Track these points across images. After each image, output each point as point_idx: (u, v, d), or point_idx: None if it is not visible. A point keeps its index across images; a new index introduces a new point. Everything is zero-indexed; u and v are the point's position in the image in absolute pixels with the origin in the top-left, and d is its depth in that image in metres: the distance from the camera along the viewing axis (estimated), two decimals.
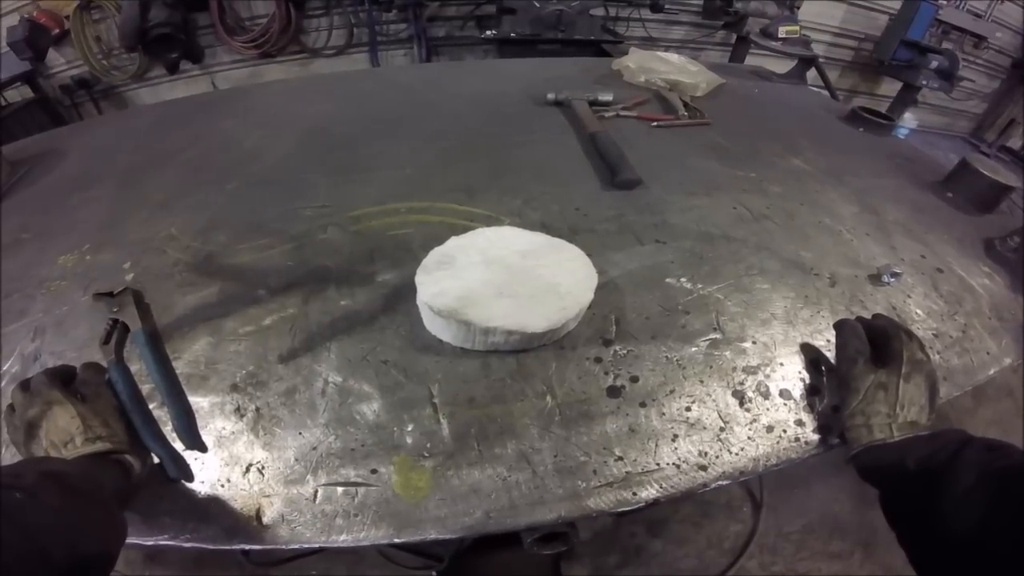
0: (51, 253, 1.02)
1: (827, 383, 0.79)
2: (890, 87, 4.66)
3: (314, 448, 0.69)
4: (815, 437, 0.74)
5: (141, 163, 1.32)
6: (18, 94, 3.63)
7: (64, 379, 0.63)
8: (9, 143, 1.56)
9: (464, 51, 4.24)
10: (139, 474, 0.61)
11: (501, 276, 0.84)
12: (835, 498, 1.53)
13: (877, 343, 0.73)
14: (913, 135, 4.57)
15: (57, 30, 3.58)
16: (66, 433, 0.59)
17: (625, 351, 0.82)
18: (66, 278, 0.95)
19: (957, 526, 0.53)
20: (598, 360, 0.80)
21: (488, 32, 3.37)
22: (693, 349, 0.82)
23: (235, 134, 1.45)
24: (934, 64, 4.07)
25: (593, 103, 1.55)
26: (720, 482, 0.69)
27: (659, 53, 1.94)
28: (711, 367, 0.80)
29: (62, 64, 3.82)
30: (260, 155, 1.33)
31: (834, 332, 0.80)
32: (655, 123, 1.49)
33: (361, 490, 0.66)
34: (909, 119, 4.54)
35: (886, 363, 0.70)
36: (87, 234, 1.06)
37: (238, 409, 0.74)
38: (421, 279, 0.83)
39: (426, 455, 0.69)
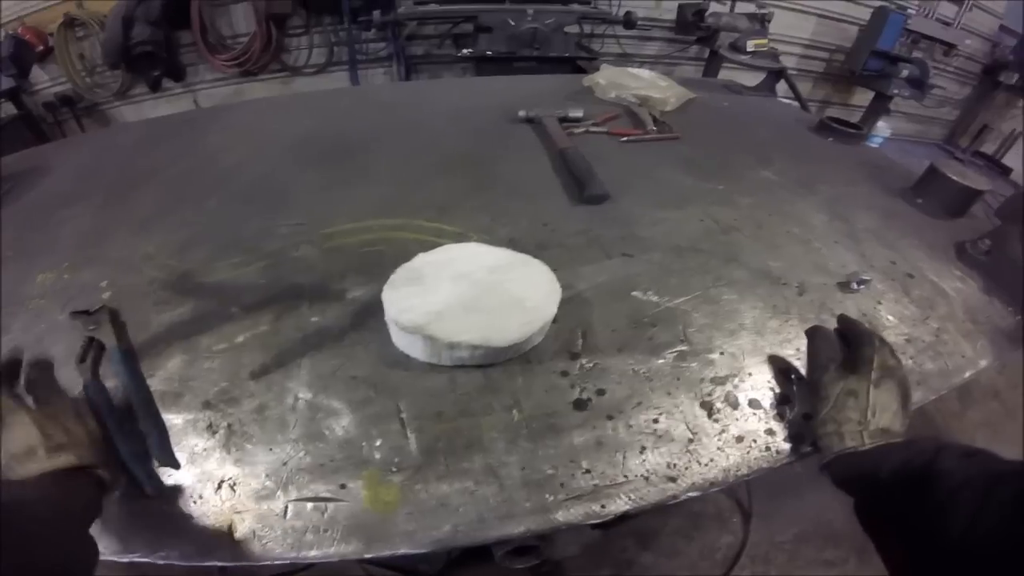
0: (31, 271, 1.01)
1: (797, 392, 0.79)
2: (863, 96, 4.74)
3: (284, 464, 0.69)
4: (786, 446, 0.74)
5: (123, 181, 1.32)
6: (1, 111, 3.60)
7: (10, 380, 0.61)
8: None
9: (442, 69, 4.27)
10: (110, 487, 0.59)
11: (468, 292, 0.84)
12: (827, 506, 1.53)
13: (848, 349, 0.74)
14: (887, 143, 4.63)
15: (41, 47, 3.59)
16: (26, 445, 0.55)
17: (592, 364, 0.82)
18: (45, 296, 0.95)
19: (942, 532, 0.52)
20: (564, 374, 0.80)
21: (465, 50, 3.39)
22: (660, 361, 0.82)
23: (215, 152, 1.45)
24: (905, 73, 4.15)
25: (563, 120, 1.56)
26: (690, 493, 0.69)
27: (630, 69, 1.96)
28: (679, 379, 0.80)
29: (46, 81, 3.81)
30: (239, 173, 1.33)
31: (804, 340, 0.80)
32: (624, 138, 1.50)
33: (331, 505, 0.65)
34: (882, 128, 4.60)
35: (856, 369, 0.70)
36: (67, 252, 1.06)
37: (210, 426, 0.73)
38: (388, 296, 0.83)
39: (394, 470, 0.69)
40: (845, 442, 0.65)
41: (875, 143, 4.46)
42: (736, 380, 0.81)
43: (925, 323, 0.95)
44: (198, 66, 3.96)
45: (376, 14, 3.49)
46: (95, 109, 3.98)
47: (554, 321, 0.84)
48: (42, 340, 0.86)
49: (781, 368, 0.83)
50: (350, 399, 0.76)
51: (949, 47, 4.84)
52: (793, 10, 4.35)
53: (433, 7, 3.64)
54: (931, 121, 5.50)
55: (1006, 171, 5.17)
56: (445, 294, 0.84)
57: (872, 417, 0.66)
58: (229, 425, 0.73)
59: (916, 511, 0.55)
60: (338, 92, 2.49)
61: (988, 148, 5.43)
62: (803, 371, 0.80)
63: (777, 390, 0.80)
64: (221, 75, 4.01)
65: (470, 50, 3.36)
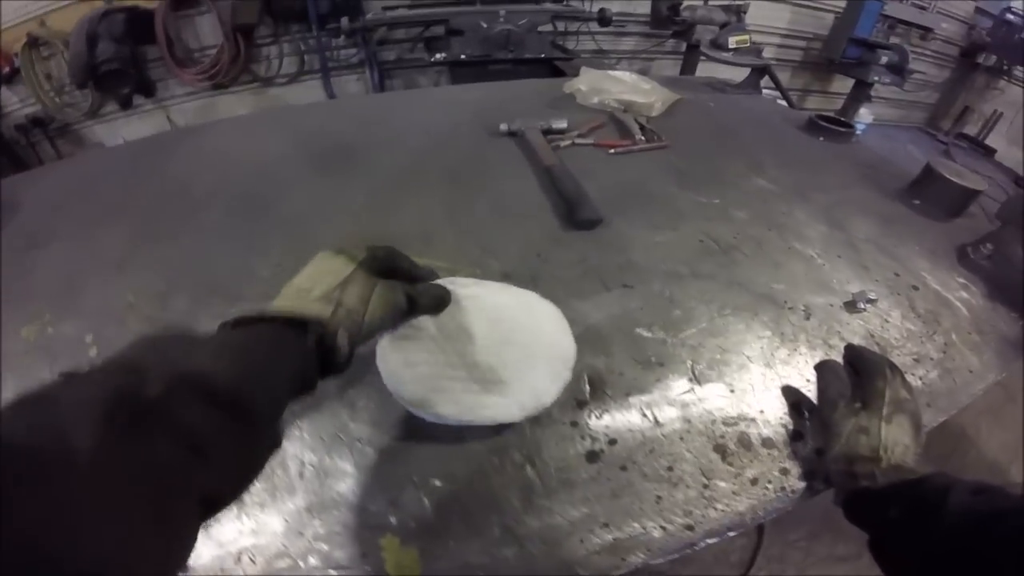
0: (13, 323, 0.95)
1: (809, 427, 0.76)
2: (843, 84, 4.77)
3: (300, 534, 0.65)
4: (801, 485, 0.71)
5: (95, 215, 1.25)
6: None
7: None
8: None
9: (416, 73, 4.22)
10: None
11: (471, 353, 0.74)
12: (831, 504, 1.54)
13: (859, 380, 0.71)
14: (870, 130, 4.66)
15: (7, 68, 3.53)
16: (312, 281, 0.57)
17: (601, 412, 0.78)
18: (29, 352, 0.90)
19: (941, 571, 0.52)
20: (574, 424, 0.77)
21: (438, 55, 3.34)
22: (669, 405, 0.79)
23: (186, 179, 1.38)
24: (884, 60, 4.17)
25: (547, 131, 1.51)
26: (708, 540, 0.66)
27: (611, 72, 1.92)
28: (690, 422, 0.77)
29: (15, 103, 3.74)
30: (212, 203, 1.26)
31: (814, 372, 0.78)
32: (612, 150, 1.46)
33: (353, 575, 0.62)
34: (865, 115, 4.64)
35: (867, 405, 0.68)
36: (46, 301, 1.00)
37: None
38: (383, 360, 0.74)
39: (412, 535, 0.65)
40: (858, 481, 0.63)
41: (858, 129, 4.48)
42: (748, 419, 0.78)
43: (932, 339, 0.92)
44: (168, 81, 3.89)
45: (344, 21, 3.42)
46: (68, 129, 3.90)
47: None
48: None
49: (792, 402, 0.80)
50: (357, 462, 0.73)
51: (926, 31, 4.89)
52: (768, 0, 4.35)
53: (402, 12, 3.59)
54: (912, 105, 5.56)
55: (990, 152, 5.24)
56: (447, 355, 0.74)
57: (884, 453, 0.64)
58: None
59: (925, 552, 0.54)
60: (311, 107, 2.43)
61: (970, 130, 5.50)
62: (815, 401, 0.78)
63: (790, 426, 0.77)
64: (192, 89, 3.94)
65: (443, 55, 3.31)
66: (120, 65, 3.47)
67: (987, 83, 5.39)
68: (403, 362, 0.72)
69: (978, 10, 5.22)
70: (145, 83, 3.78)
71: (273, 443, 0.48)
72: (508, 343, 0.76)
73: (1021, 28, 4.95)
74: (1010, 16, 4.99)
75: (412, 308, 0.65)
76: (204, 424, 0.37)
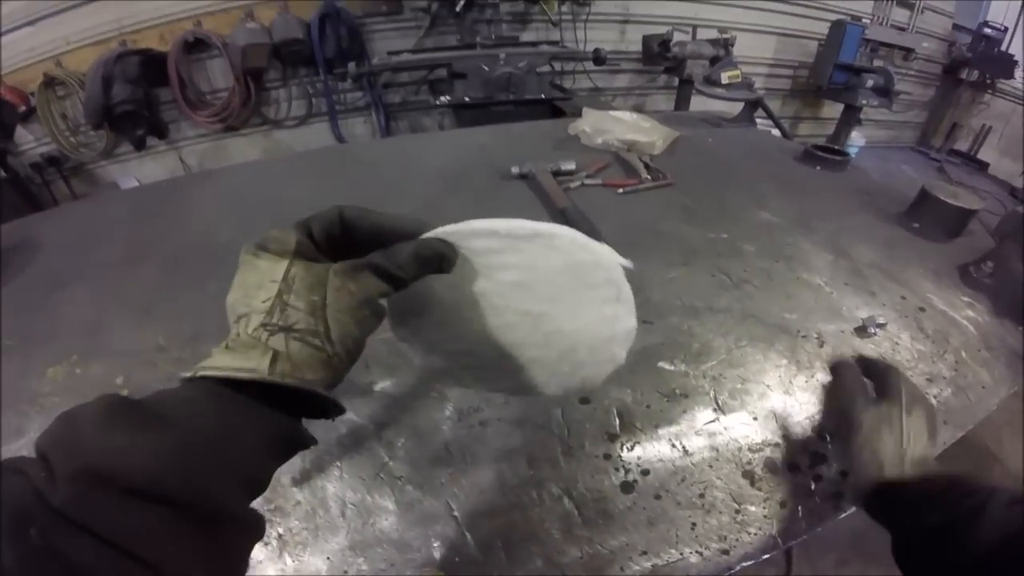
0: (38, 363, 0.98)
1: (832, 449, 0.79)
2: (833, 109, 4.88)
3: (345, 572, 0.68)
4: (828, 506, 0.74)
5: (118, 259, 1.29)
6: None
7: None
8: None
9: (421, 115, 4.34)
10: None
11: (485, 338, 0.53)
12: (859, 530, 1.53)
13: (873, 381, 0.73)
14: (864, 152, 4.74)
15: (23, 107, 3.59)
16: (246, 302, 0.40)
17: (632, 444, 0.81)
18: (57, 393, 0.91)
19: None
20: (607, 457, 0.80)
21: (442, 98, 3.45)
22: (697, 435, 0.83)
23: (208, 225, 1.42)
24: (870, 83, 4.27)
25: (557, 173, 1.58)
26: (743, 563, 0.69)
27: (612, 112, 1.99)
28: (717, 450, 0.80)
29: (31, 141, 3.81)
30: (235, 249, 1.30)
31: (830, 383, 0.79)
32: (621, 189, 1.52)
33: None
34: (857, 138, 4.72)
35: (887, 396, 0.69)
36: (73, 342, 1.03)
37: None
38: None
39: (456, 568, 0.68)
40: (884, 471, 0.62)
41: (852, 152, 4.56)
42: (772, 444, 0.81)
43: (943, 358, 0.96)
44: (180, 123, 4.00)
45: (351, 66, 3.56)
46: (82, 169, 3.99)
47: (588, 402, 0.84)
48: None
49: (815, 427, 0.83)
50: (398, 499, 0.75)
51: (907, 51, 5.01)
52: (753, 31, 4.48)
53: (406, 57, 3.72)
54: (903, 126, 5.66)
55: (983, 166, 5.30)
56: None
57: (908, 445, 0.64)
58: (280, 535, 0.72)
59: (956, 564, 0.53)
60: (323, 152, 2.50)
61: (962, 145, 5.58)
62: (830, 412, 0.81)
63: (813, 450, 0.80)
64: (203, 130, 4.05)
65: (448, 97, 3.42)
66: (134, 107, 3.57)
67: (972, 98, 5.49)
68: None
69: (956, 26, 5.34)
70: (158, 125, 3.89)
71: (248, 531, 0.37)
72: (537, 324, 0.52)
73: (999, 41, 5.07)
74: (987, 30, 5.11)
75: (395, 283, 0.43)
76: (130, 529, 0.29)
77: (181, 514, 0.30)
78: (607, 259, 0.48)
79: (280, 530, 0.72)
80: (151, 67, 3.60)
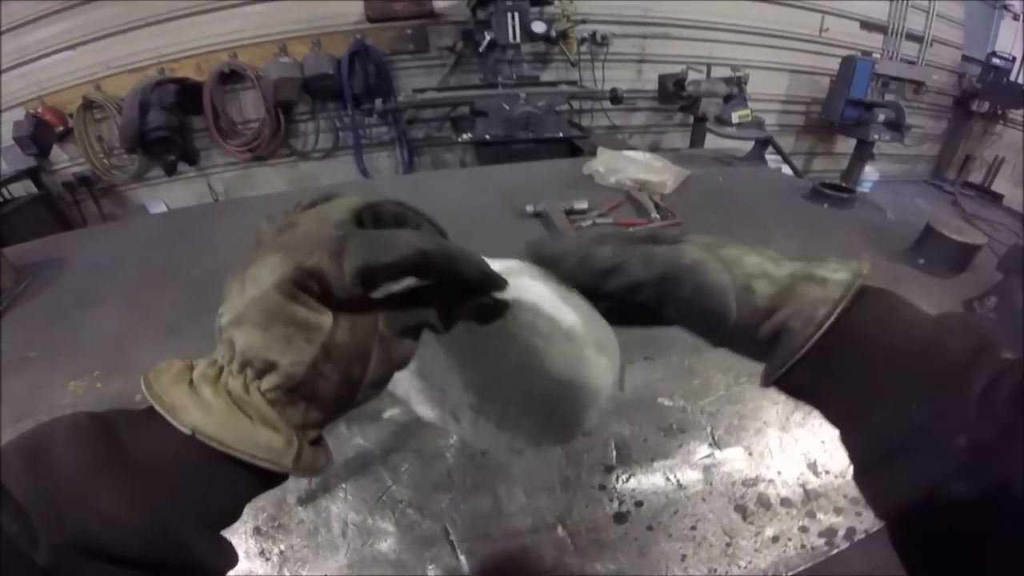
0: (60, 376, 1.02)
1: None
2: (847, 144, 4.90)
3: None
4: (821, 541, 0.76)
5: (145, 280, 1.35)
6: (22, 188, 3.77)
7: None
8: (12, 241, 1.61)
9: (444, 151, 4.47)
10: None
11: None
12: (872, 566, 1.52)
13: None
14: (878, 187, 4.74)
15: (61, 128, 3.76)
16: (265, 348, 0.31)
17: (627, 476, 0.85)
18: (77, 406, 0.92)
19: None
20: (603, 487, 0.83)
21: (464, 135, 3.56)
22: (691, 468, 0.86)
23: (233, 252, 1.45)
24: (882, 117, 4.29)
25: (570, 212, 1.64)
26: None
27: (626, 152, 2.06)
28: (711, 484, 0.84)
29: (65, 161, 3.98)
30: None
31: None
32: (631, 228, 1.57)
33: None
34: (870, 172, 4.72)
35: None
36: (95, 358, 1.07)
37: (262, 552, 0.75)
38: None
39: None
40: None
41: (865, 188, 4.57)
42: (766, 480, 0.84)
43: None
44: (211, 150, 4.16)
45: (378, 102, 3.70)
46: (112, 190, 4.14)
47: (588, 435, 0.88)
48: None
49: (808, 463, 0.86)
50: (399, 521, 0.79)
51: (918, 85, 5.03)
52: (766, 68, 4.54)
53: (431, 94, 3.84)
54: (916, 159, 5.65)
55: (997, 197, 5.26)
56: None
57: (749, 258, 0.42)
58: (282, 551, 0.75)
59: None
60: (347, 187, 2.56)
61: (975, 177, 5.55)
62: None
63: (806, 486, 0.83)
64: (233, 159, 4.20)
65: (469, 135, 3.53)
66: (169, 133, 3.73)
67: (984, 129, 5.48)
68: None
69: (965, 58, 5.34)
70: (190, 151, 4.05)
71: (224, 568, 0.34)
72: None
73: (1008, 71, 5.06)
74: (996, 60, 5.11)
75: (443, 324, 0.38)
76: None
77: (162, 571, 0.29)
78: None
79: (282, 547, 0.76)
80: (186, 95, 3.78)
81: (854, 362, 0.36)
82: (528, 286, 0.42)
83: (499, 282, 0.40)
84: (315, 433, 0.35)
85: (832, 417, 0.39)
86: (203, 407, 0.30)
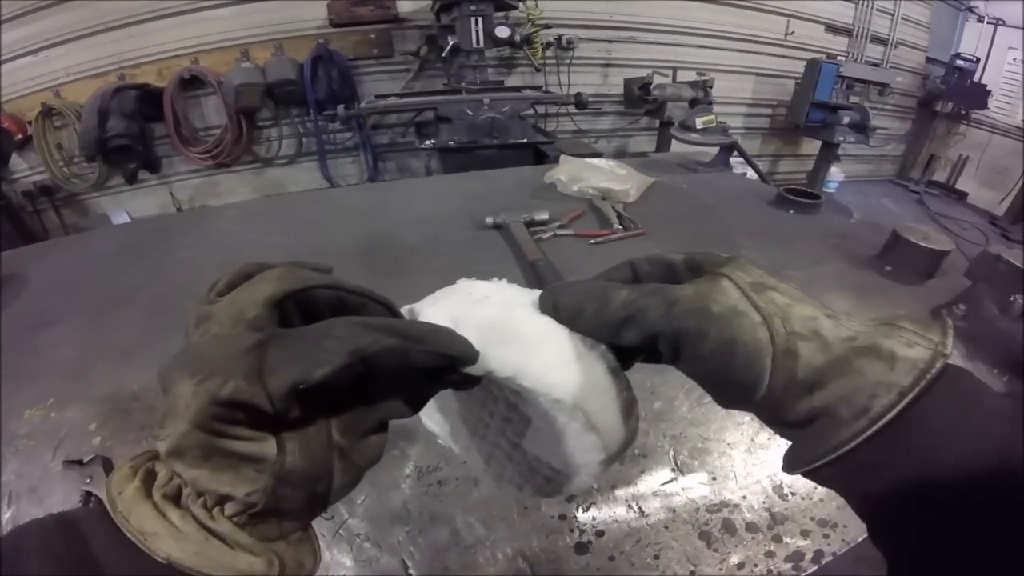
0: (18, 403, 0.98)
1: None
2: (812, 146, 4.99)
3: None
4: (787, 566, 0.74)
5: (103, 300, 1.30)
6: None
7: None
8: None
9: (409, 156, 4.43)
10: None
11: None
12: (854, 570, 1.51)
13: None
14: (844, 188, 4.81)
15: (20, 135, 3.67)
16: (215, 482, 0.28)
17: (588, 504, 0.82)
18: (34, 436, 0.91)
19: None
20: (563, 517, 0.80)
21: (428, 142, 3.52)
22: (654, 495, 0.83)
23: (193, 269, 1.43)
24: (847, 120, 4.37)
25: (530, 223, 1.60)
26: None
27: (589, 160, 2.03)
28: (674, 511, 0.81)
29: (25, 170, 3.90)
30: None
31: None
32: (593, 240, 1.53)
33: None
34: (836, 174, 4.80)
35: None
36: (52, 384, 1.03)
37: None
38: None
39: None
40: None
41: (831, 189, 4.63)
42: (731, 505, 0.81)
43: None
44: (173, 158, 4.10)
45: (341, 108, 3.66)
46: (74, 199, 4.06)
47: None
48: (37, 488, 0.82)
49: (774, 486, 0.83)
50: (356, 556, 0.75)
51: (883, 87, 5.13)
52: (731, 72, 4.59)
53: (393, 101, 3.82)
54: (881, 160, 5.77)
55: (962, 196, 5.39)
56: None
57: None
58: None
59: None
60: (310, 196, 2.53)
61: (940, 176, 5.69)
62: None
63: (772, 510, 0.80)
64: (195, 166, 4.15)
65: (432, 141, 3.49)
66: (129, 141, 3.67)
67: (948, 129, 5.63)
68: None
69: (929, 60, 5.48)
70: (151, 159, 3.99)
71: None
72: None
73: (972, 72, 5.19)
74: (960, 62, 5.25)
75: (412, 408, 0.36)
76: None
77: None
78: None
79: None
80: (147, 102, 3.71)
81: (911, 464, 0.28)
82: (512, 343, 0.37)
83: (467, 357, 0.33)
84: (296, 535, 0.33)
85: (868, 518, 0.31)
86: (175, 535, 0.28)
